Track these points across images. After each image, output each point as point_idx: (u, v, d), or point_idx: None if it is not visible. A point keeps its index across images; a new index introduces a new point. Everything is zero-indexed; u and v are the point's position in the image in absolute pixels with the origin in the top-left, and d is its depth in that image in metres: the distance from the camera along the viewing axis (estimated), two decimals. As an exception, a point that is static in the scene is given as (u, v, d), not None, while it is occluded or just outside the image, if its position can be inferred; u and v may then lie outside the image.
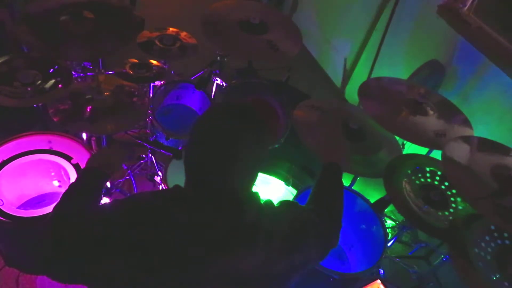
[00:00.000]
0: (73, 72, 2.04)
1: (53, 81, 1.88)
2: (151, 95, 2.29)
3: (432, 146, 1.97)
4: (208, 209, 0.92)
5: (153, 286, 0.89)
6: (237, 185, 0.95)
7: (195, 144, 0.95)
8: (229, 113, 0.94)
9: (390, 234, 2.30)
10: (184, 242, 0.89)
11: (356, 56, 3.39)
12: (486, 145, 1.76)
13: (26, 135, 1.85)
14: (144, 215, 0.92)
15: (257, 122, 0.95)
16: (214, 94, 2.47)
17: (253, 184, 1.00)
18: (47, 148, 1.86)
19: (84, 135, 2.11)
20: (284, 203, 1.07)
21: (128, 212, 0.94)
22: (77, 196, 1.13)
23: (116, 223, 0.92)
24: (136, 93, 2.11)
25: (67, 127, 1.94)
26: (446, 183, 1.84)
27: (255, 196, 0.99)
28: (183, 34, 2.44)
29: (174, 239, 0.89)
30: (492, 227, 1.60)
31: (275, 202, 1.05)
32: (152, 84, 2.28)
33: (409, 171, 1.86)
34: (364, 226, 1.99)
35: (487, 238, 1.57)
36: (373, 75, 3.14)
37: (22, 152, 1.82)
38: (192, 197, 0.94)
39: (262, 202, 1.00)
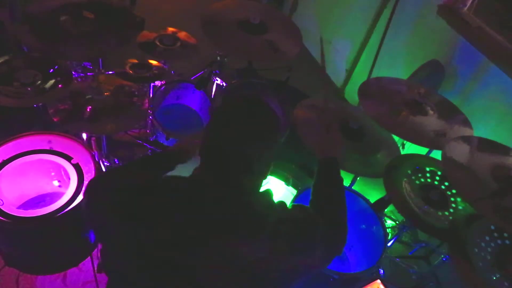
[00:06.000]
0: (73, 72, 2.04)
1: (53, 81, 1.88)
2: (151, 95, 2.29)
3: (432, 146, 1.97)
4: (216, 193, 0.95)
5: (156, 260, 0.91)
6: (250, 178, 0.99)
7: (219, 130, 1.00)
8: (249, 109, 1.01)
9: (390, 234, 2.30)
10: (188, 221, 0.91)
11: (356, 56, 3.39)
12: (486, 145, 1.76)
13: (26, 135, 1.85)
14: (154, 192, 0.97)
15: (272, 119, 1.01)
16: (214, 94, 2.48)
17: (263, 179, 1.04)
18: (47, 148, 1.86)
19: (84, 135, 2.11)
20: (296, 206, 1.09)
21: (141, 187, 0.99)
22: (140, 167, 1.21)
23: (130, 193, 0.97)
24: (136, 93, 2.11)
25: (67, 127, 1.94)
26: (446, 183, 1.84)
27: (268, 193, 1.02)
28: (183, 34, 2.44)
29: (178, 218, 0.91)
30: (492, 227, 1.60)
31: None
32: (152, 84, 2.29)
33: (409, 171, 1.86)
34: (364, 226, 1.99)
35: (487, 238, 1.57)
36: (373, 75, 3.13)
37: (22, 152, 1.82)
38: (201, 180, 0.98)
39: (275, 202, 1.02)
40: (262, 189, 1.04)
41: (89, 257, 1.91)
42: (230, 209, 0.93)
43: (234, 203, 0.95)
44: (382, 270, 1.98)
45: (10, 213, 1.64)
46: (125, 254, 0.96)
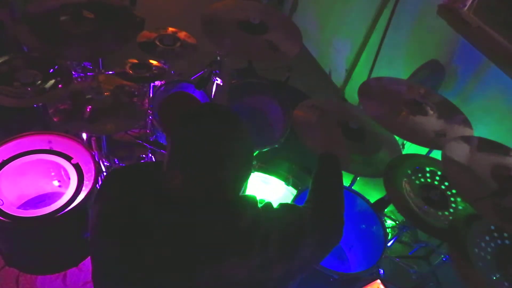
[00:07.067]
0: (73, 72, 2.04)
1: (53, 81, 1.88)
2: (151, 95, 2.29)
3: (432, 146, 1.97)
4: (201, 213, 0.90)
5: (142, 284, 0.90)
6: (229, 188, 0.93)
7: (184, 144, 0.92)
8: (216, 117, 0.93)
9: (390, 234, 2.30)
10: (177, 245, 0.89)
11: (356, 56, 3.39)
12: (486, 145, 1.76)
13: (26, 135, 1.85)
14: (136, 214, 0.92)
15: (242, 125, 0.94)
16: (214, 94, 2.47)
17: (243, 186, 0.98)
18: (47, 148, 1.86)
19: (84, 135, 2.11)
20: (283, 206, 1.05)
21: (122, 205, 0.96)
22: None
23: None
24: (136, 93, 2.11)
25: (67, 127, 1.94)
26: (446, 183, 1.84)
27: (252, 200, 0.97)
28: (183, 34, 2.44)
29: (166, 241, 0.89)
30: (492, 227, 1.60)
31: (274, 202, 1.04)
32: (152, 84, 2.29)
33: (409, 171, 1.86)
34: (364, 226, 1.99)
35: (487, 238, 1.57)
36: (373, 75, 3.14)
37: (22, 152, 1.82)
38: (184, 198, 0.91)
39: (259, 206, 0.98)
40: (251, 192, 1.01)
41: (89, 257, 1.91)
42: (220, 234, 0.89)
43: (224, 226, 0.90)
44: (382, 270, 1.98)
45: (10, 213, 1.64)
46: (112, 277, 0.95)
